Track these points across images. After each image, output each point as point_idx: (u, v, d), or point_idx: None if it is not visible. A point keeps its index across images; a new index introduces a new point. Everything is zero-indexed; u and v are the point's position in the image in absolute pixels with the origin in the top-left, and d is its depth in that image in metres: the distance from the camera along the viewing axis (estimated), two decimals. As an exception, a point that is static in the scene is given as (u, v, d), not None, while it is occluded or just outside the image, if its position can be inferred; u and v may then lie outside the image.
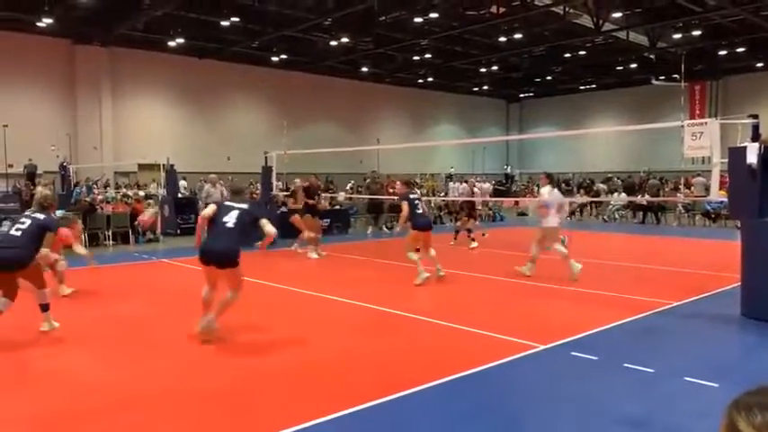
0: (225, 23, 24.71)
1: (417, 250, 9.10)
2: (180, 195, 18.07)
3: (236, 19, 24.23)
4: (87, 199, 16.50)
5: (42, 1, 21.68)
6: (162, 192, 17.94)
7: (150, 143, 26.76)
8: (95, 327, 6.56)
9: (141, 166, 25.93)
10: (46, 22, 23.34)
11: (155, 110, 29.32)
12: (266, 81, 32.27)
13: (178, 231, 16.15)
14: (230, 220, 5.78)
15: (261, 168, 15.40)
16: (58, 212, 7.45)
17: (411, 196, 9.09)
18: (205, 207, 7.03)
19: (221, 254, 5.69)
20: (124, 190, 22.69)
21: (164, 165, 17.76)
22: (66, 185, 20.49)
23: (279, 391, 4.51)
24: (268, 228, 5.89)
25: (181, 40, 27.00)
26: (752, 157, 6.44)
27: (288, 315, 7.20)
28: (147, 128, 28.47)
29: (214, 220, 5.84)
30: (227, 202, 6.13)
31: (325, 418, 3.92)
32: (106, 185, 24.19)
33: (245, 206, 6.03)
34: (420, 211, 8.98)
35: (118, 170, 27.29)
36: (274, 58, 31.08)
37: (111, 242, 14.40)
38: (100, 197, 18.51)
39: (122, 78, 27.86)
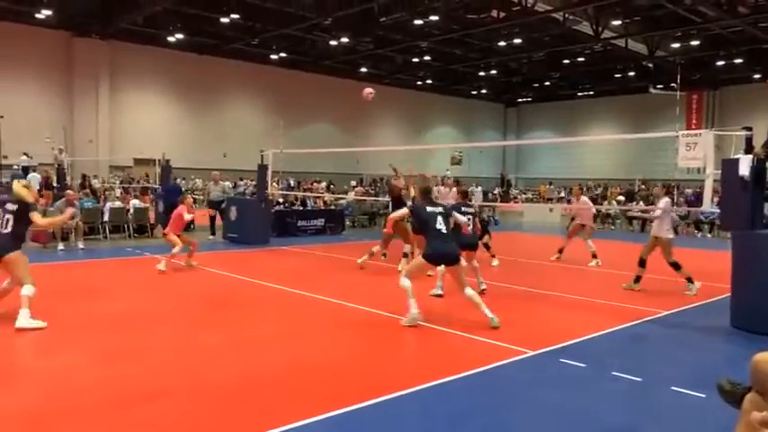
0: (225, 20, 24.71)
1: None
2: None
3: (237, 16, 24.23)
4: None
5: (42, -8, 21.66)
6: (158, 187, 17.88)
7: (146, 138, 26.73)
8: (87, 324, 6.52)
9: (137, 161, 25.88)
10: (45, 13, 23.29)
11: (152, 104, 29.29)
12: (265, 79, 32.26)
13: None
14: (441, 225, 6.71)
15: (257, 166, 15.38)
16: None
17: (463, 209, 8.34)
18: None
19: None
20: (116, 184, 22.60)
21: (159, 160, 17.72)
22: (61, 178, 20.41)
23: (270, 391, 4.50)
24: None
25: (180, 36, 27.00)
26: (744, 170, 6.47)
27: (283, 315, 7.19)
28: (144, 122, 28.44)
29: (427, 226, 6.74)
30: (429, 208, 6.80)
31: (313, 419, 3.91)
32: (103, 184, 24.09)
33: (442, 209, 6.91)
34: (470, 227, 8.25)
35: (113, 164, 27.24)
36: (274, 57, 31.08)
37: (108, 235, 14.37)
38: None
39: (120, 72, 27.82)
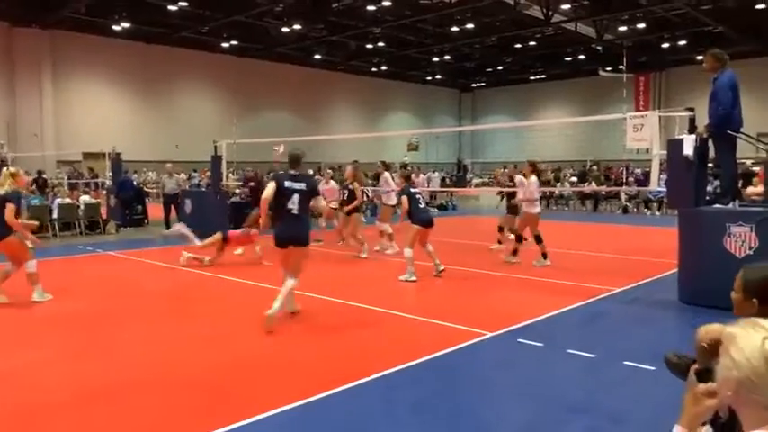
0: (173, 8, 24.03)
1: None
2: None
3: (185, 3, 23.61)
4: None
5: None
6: (108, 182, 17.37)
7: (95, 131, 25.86)
8: (50, 323, 6.35)
9: (86, 155, 25.04)
10: (-20, 2, 22.21)
11: (99, 96, 28.33)
12: (217, 68, 31.59)
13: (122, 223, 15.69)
14: (294, 205, 6.06)
15: (210, 158, 15.09)
16: None
17: (412, 190, 8.77)
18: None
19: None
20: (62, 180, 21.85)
21: (109, 153, 17.23)
22: None
23: (236, 384, 4.47)
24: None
25: (126, 25, 26.15)
26: (688, 149, 6.71)
27: (245, 308, 7.12)
28: (92, 115, 27.49)
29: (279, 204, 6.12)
30: (287, 182, 6.11)
31: (275, 411, 3.91)
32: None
33: (304, 186, 6.16)
34: (422, 205, 8.81)
35: (60, 159, 26.28)
36: (225, 45, 30.45)
37: (58, 233, 13.94)
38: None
39: (64, 63, 26.78)
